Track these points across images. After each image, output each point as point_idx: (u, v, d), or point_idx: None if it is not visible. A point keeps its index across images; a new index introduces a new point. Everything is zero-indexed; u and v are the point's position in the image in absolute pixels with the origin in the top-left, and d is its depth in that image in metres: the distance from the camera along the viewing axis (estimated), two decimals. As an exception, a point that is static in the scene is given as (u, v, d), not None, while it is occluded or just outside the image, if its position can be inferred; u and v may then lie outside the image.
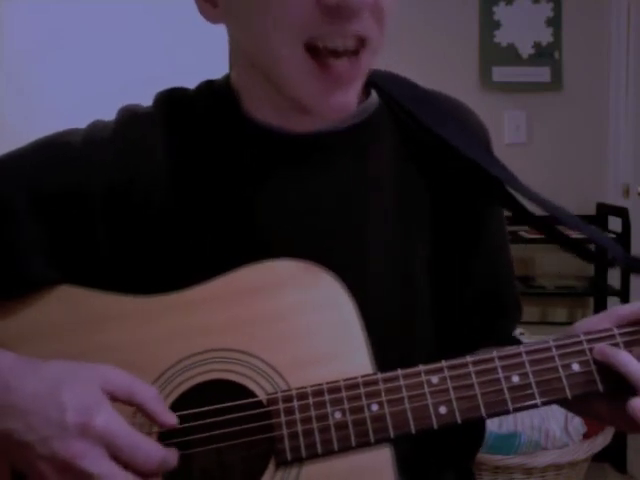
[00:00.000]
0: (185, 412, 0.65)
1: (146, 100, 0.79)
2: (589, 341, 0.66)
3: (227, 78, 0.78)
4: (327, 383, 0.65)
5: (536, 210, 0.77)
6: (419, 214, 0.77)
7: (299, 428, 0.64)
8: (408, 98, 0.79)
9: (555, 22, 2.69)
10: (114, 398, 0.61)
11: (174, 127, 0.75)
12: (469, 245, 0.80)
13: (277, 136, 0.74)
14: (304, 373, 0.66)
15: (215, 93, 0.77)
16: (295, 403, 0.64)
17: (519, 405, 0.65)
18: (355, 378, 0.65)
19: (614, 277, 2.56)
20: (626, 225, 2.44)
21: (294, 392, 0.65)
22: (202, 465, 0.69)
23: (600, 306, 2.61)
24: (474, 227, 0.80)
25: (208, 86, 0.79)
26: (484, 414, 0.65)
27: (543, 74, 2.69)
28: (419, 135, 0.78)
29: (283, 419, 0.64)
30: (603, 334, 0.67)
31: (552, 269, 2.72)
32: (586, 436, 1.93)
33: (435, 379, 0.65)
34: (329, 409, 0.64)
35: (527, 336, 2.07)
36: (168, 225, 0.72)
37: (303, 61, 0.65)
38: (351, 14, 0.62)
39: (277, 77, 0.68)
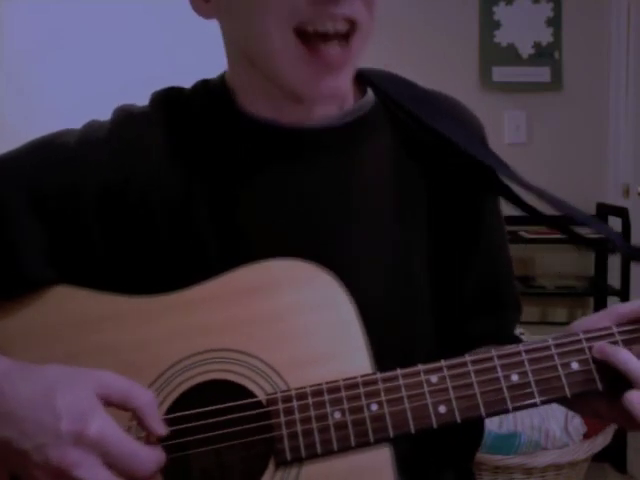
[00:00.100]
0: (185, 413, 0.65)
1: (146, 100, 0.79)
2: (588, 340, 0.66)
3: (222, 76, 0.78)
4: (326, 383, 0.65)
5: (536, 205, 0.77)
6: (418, 212, 0.77)
7: (298, 428, 0.64)
8: (405, 96, 0.79)
9: (555, 22, 2.69)
10: (109, 403, 0.60)
11: (170, 126, 0.75)
12: (468, 243, 0.80)
13: (271, 129, 0.74)
14: (303, 373, 0.66)
15: (210, 91, 0.78)
16: (294, 403, 0.64)
17: (518, 404, 0.65)
18: (354, 378, 0.65)
19: (614, 277, 2.56)
20: (626, 225, 2.44)
21: (293, 392, 0.65)
22: (202, 466, 0.69)
23: (600, 306, 2.61)
24: (473, 225, 0.80)
25: (204, 85, 0.79)
26: (483, 413, 0.65)
27: (543, 74, 2.69)
28: (416, 133, 0.79)
29: (282, 419, 0.64)
30: (602, 332, 0.67)
31: (552, 269, 2.72)
32: (586, 436, 1.92)
33: (434, 378, 0.65)
34: (328, 409, 0.64)
35: (527, 336, 2.07)
36: (165, 224, 0.72)
37: (293, 46, 0.65)
38: None
39: (268, 64, 0.68)
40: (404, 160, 0.78)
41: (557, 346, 0.66)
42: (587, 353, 0.66)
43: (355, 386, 0.65)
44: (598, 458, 2.10)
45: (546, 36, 2.69)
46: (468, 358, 0.66)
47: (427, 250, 0.77)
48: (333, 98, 0.69)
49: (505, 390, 0.65)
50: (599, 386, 0.65)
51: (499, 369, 0.65)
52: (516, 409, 0.65)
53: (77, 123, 0.77)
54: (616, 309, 0.69)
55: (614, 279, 2.56)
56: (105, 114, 0.77)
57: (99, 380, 0.61)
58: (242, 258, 0.70)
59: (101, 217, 0.72)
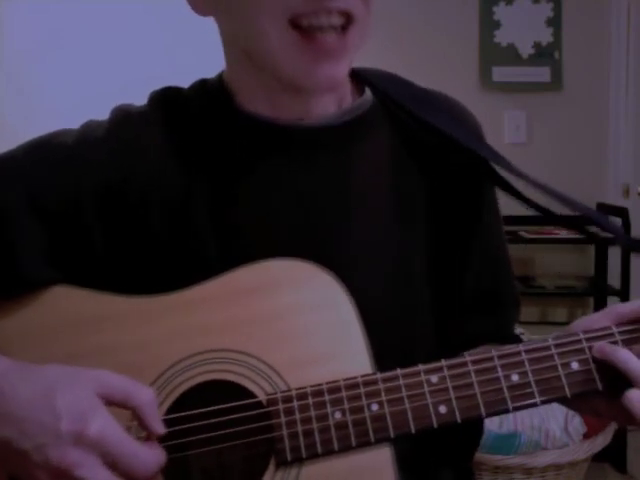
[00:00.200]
0: (185, 413, 0.65)
1: (146, 100, 0.79)
2: (588, 340, 0.66)
3: (220, 75, 0.79)
4: (327, 383, 0.65)
5: (538, 200, 0.77)
6: (417, 211, 0.78)
7: (299, 428, 0.63)
8: (403, 95, 0.79)
9: (555, 22, 2.69)
10: (110, 402, 0.60)
11: (169, 126, 0.75)
12: (467, 242, 0.80)
13: (269, 127, 0.74)
14: (303, 373, 0.66)
15: (208, 91, 0.78)
16: (295, 403, 0.64)
17: (519, 404, 0.65)
18: (355, 378, 0.65)
19: (614, 277, 2.56)
20: (626, 225, 2.44)
21: (294, 392, 0.65)
22: (202, 466, 0.69)
23: (600, 306, 2.60)
24: (471, 224, 0.81)
25: (202, 85, 0.79)
26: (484, 413, 0.65)
27: (543, 74, 2.69)
28: (415, 132, 0.79)
29: (283, 419, 0.64)
30: (602, 332, 0.67)
31: (552, 269, 2.72)
32: (586, 436, 1.93)
33: (434, 378, 0.65)
34: (329, 409, 0.64)
35: (527, 336, 2.07)
36: (164, 224, 0.72)
37: (288, 36, 0.66)
38: None
39: (265, 56, 0.68)
40: (403, 159, 0.78)
41: (557, 346, 0.66)
42: (587, 353, 0.66)
43: (355, 386, 0.65)
44: (598, 458, 2.10)
45: (546, 36, 2.69)
46: (468, 358, 0.66)
47: (426, 249, 0.78)
48: (330, 87, 0.69)
49: (505, 390, 0.65)
50: (599, 386, 0.66)
51: (499, 369, 0.65)
52: (516, 409, 0.65)
53: (77, 123, 0.77)
54: (616, 309, 0.69)
55: (614, 279, 2.56)
56: (105, 114, 0.77)
57: (99, 379, 0.61)
58: (241, 258, 0.70)
59: (100, 217, 0.72)
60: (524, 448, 1.88)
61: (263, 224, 0.74)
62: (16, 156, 0.73)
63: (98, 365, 0.63)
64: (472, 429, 0.83)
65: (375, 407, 0.64)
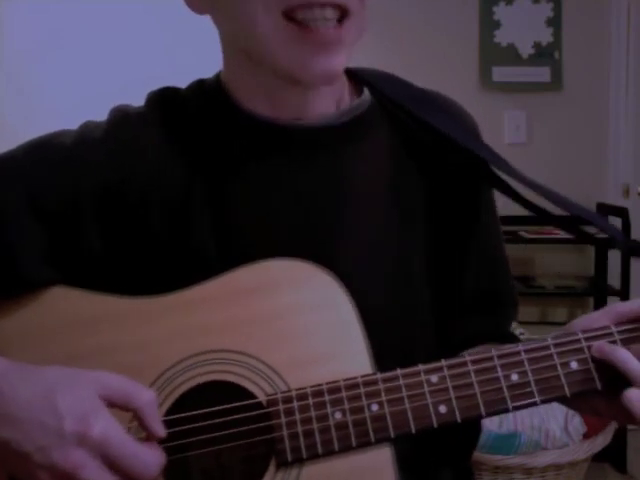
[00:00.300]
0: (185, 414, 0.65)
1: (146, 100, 0.79)
2: (587, 339, 0.67)
3: (217, 75, 0.79)
4: (327, 383, 0.65)
5: (535, 201, 0.77)
6: (416, 211, 0.78)
7: (299, 429, 0.63)
8: (401, 95, 0.79)
9: (555, 22, 2.69)
10: (111, 404, 0.60)
11: (167, 126, 0.75)
12: (465, 241, 0.80)
13: (268, 126, 0.74)
14: (303, 373, 0.66)
15: (206, 90, 0.78)
16: (295, 404, 0.64)
17: (518, 403, 0.65)
18: (355, 378, 0.65)
19: (614, 277, 2.56)
20: (626, 225, 2.44)
21: (294, 393, 0.65)
22: (202, 467, 0.69)
23: (600, 306, 2.60)
24: (469, 223, 0.81)
25: (199, 85, 0.79)
26: (484, 413, 0.65)
27: (543, 74, 2.69)
28: (414, 132, 0.79)
29: (283, 420, 0.64)
30: (601, 332, 0.67)
31: (552, 269, 2.72)
32: (586, 436, 1.93)
33: (434, 378, 0.65)
34: (329, 409, 0.64)
35: (527, 336, 2.07)
36: (164, 224, 0.72)
37: (283, 28, 0.66)
38: None
39: (261, 50, 0.68)
40: (402, 159, 0.78)
41: (556, 345, 0.66)
42: (586, 352, 0.66)
43: (355, 386, 0.65)
44: (598, 458, 2.10)
45: (546, 36, 2.69)
46: (468, 358, 0.66)
47: (426, 249, 0.78)
48: (327, 80, 0.69)
49: (505, 390, 0.65)
50: (598, 385, 0.66)
51: (499, 369, 0.65)
52: (516, 408, 0.65)
53: (77, 123, 0.77)
54: (615, 308, 0.69)
55: (614, 279, 2.56)
56: (105, 114, 0.77)
57: (100, 381, 0.61)
58: (241, 257, 0.70)
59: (99, 218, 0.72)
60: (524, 448, 1.88)
61: (263, 224, 0.74)
62: (16, 156, 0.73)
63: (98, 366, 0.62)
64: (470, 428, 0.84)
65: (375, 407, 0.64)
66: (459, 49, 2.70)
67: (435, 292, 0.78)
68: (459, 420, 0.64)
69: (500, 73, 2.70)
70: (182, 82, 0.80)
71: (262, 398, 0.65)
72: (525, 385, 0.65)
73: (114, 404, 0.60)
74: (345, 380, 0.65)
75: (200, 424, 0.65)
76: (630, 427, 2.36)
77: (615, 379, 0.65)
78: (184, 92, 0.78)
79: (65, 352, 0.67)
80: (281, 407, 0.64)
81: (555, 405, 0.69)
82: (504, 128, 2.70)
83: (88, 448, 0.57)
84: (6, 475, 0.61)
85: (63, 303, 0.70)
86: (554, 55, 2.69)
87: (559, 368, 0.66)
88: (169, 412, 0.66)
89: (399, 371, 0.65)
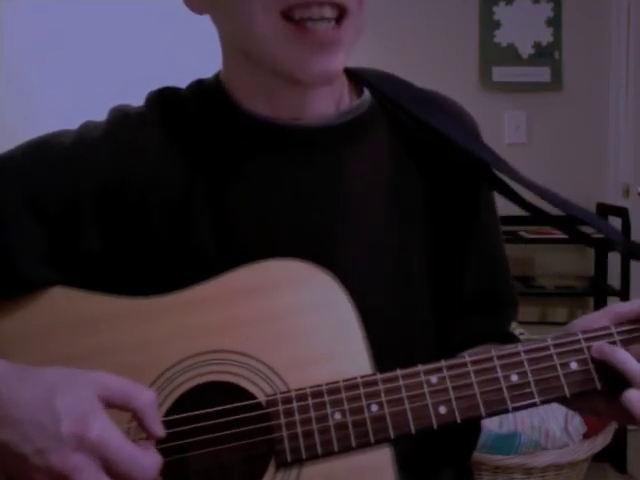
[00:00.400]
0: (184, 415, 0.65)
1: (146, 100, 0.79)
2: (587, 340, 0.67)
3: (217, 75, 0.79)
4: (326, 384, 0.65)
5: (535, 202, 0.77)
6: (416, 212, 0.78)
7: (299, 429, 0.63)
8: (401, 96, 0.79)
9: (555, 22, 2.69)
10: (110, 404, 0.60)
11: (166, 126, 0.75)
12: (465, 241, 0.80)
13: (267, 126, 0.74)
14: (303, 374, 0.66)
15: (206, 90, 0.78)
16: (294, 404, 0.64)
17: (518, 404, 0.65)
18: (354, 379, 0.65)
19: (614, 277, 2.56)
20: (626, 225, 2.44)
21: (293, 393, 0.65)
22: (202, 467, 0.69)
23: (600, 306, 2.60)
24: (469, 223, 0.81)
25: (199, 84, 0.79)
26: (483, 413, 0.65)
27: (543, 74, 2.69)
28: (414, 132, 0.79)
29: (283, 421, 0.64)
30: (601, 332, 0.67)
31: (552, 269, 2.72)
32: (586, 436, 1.93)
33: (434, 379, 0.65)
34: (329, 410, 0.64)
35: (527, 336, 2.07)
36: (164, 224, 0.72)
37: (280, 27, 0.66)
38: None
39: (259, 50, 0.68)
40: (402, 159, 0.78)
41: (556, 346, 0.66)
42: (586, 353, 0.66)
43: (355, 387, 0.65)
44: (598, 458, 2.10)
45: (546, 36, 2.69)
46: (468, 358, 0.66)
47: (426, 249, 0.78)
48: (326, 80, 0.69)
49: (505, 390, 0.65)
50: (598, 385, 0.66)
51: (499, 369, 0.65)
52: (516, 409, 0.65)
53: (77, 123, 0.77)
54: (614, 308, 0.69)
55: (614, 279, 2.56)
56: (105, 114, 0.77)
57: (99, 381, 0.60)
58: (241, 257, 0.70)
59: (99, 218, 0.72)
60: (524, 448, 1.88)
61: (263, 224, 0.74)
62: (16, 156, 0.73)
63: (98, 366, 0.62)
64: (470, 429, 0.84)
65: (375, 408, 0.64)
66: (459, 49, 2.70)
67: (435, 292, 0.78)
68: (459, 421, 0.64)
69: (500, 73, 2.70)
70: (182, 82, 0.80)
71: (261, 399, 0.65)
72: (525, 386, 0.65)
73: (113, 404, 0.60)
74: (345, 381, 0.65)
75: (199, 425, 0.65)
76: (630, 427, 2.36)
77: (615, 379, 0.65)
78: (184, 92, 0.78)
79: (65, 352, 0.67)
80: (280, 408, 0.64)
81: (555, 405, 0.69)
82: (504, 128, 2.70)
83: (86, 450, 0.56)
84: (5, 476, 0.61)
85: (63, 303, 0.70)
86: (554, 55, 2.69)
87: (559, 368, 0.66)
88: (169, 412, 0.65)
89: (399, 371, 0.65)
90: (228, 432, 0.64)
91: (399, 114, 0.80)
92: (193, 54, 2.27)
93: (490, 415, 0.65)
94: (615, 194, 2.69)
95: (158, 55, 2.64)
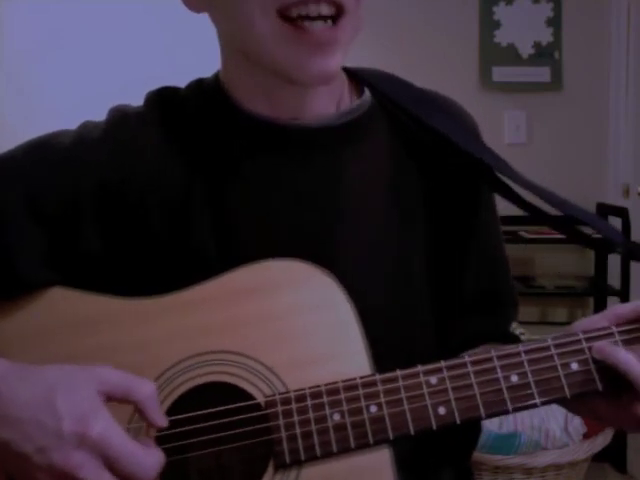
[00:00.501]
0: (183, 416, 0.65)
1: (145, 101, 0.79)
2: (588, 340, 0.66)
3: (216, 75, 0.78)
4: (325, 385, 0.65)
5: (535, 203, 0.77)
6: (416, 212, 0.78)
7: (297, 430, 0.63)
8: (402, 96, 0.79)
9: (555, 22, 2.69)
10: (111, 398, 0.60)
11: (166, 126, 0.75)
12: (465, 242, 0.80)
13: (267, 126, 0.74)
14: (302, 374, 0.66)
15: (205, 90, 0.78)
16: (293, 405, 0.64)
17: (519, 405, 0.65)
18: (353, 379, 0.65)
19: (614, 277, 2.56)
20: (626, 225, 2.44)
21: (292, 394, 0.64)
22: (201, 468, 0.69)
23: (600, 306, 2.60)
24: (469, 224, 0.81)
25: (198, 84, 0.79)
26: (483, 414, 0.64)
27: (543, 74, 2.69)
28: (414, 132, 0.79)
29: (281, 421, 0.64)
30: (602, 332, 0.67)
31: (552, 269, 2.72)
32: (586, 436, 1.92)
33: (434, 379, 0.65)
34: (328, 411, 0.64)
35: (527, 336, 2.07)
36: (164, 225, 0.72)
37: (277, 27, 0.65)
38: None
39: (257, 50, 0.68)
40: (402, 160, 0.78)
41: (556, 346, 0.66)
42: (587, 353, 0.66)
43: (354, 387, 0.64)
44: (598, 458, 2.10)
45: (546, 36, 2.69)
46: (467, 359, 0.66)
47: (426, 249, 0.78)
48: (324, 80, 0.69)
49: (505, 391, 0.65)
50: (599, 386, 0.65)
51: (499, 370, 0.65)
52: (516, 410, 0.65)
53: (77, 123, 0.76)
54: (615, 310, 0.69)
55: (614, 279, 2.56)
56: (105, 114, 0.77)
57: (99, 376, 0.61)
58: (241, 258, 0.70)
59: (99, 218, 0.72)
60: (524, 448, 1.88)
61: (262, 224, 0.73)
62: (15, 156, 0.73)
63: None
64: (471, 429, 0.84)
65: (374, 409, 0.64)
66: (459, 49, 2.70)
67: (435, 292, 0.78)
68: (458, 422, 0.64)
69: (500, 73, 2.70)
70: (182, 82, 0.80)
71: (260, 399, 0.65)
72: (525, 386, 0.65)
73: (114, 398, 0.60)
74: (344, 381, 0.65)
75: (198, 425, 0.64)
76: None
77: (616, 381, 0.65)
78: (183, 92, 0.78)
79: (65, 353, 0.67)
80: (279, 409, 0.64)
81: (555, 405, 0.69)
82: (504, 128, 2.70)
83: (87, 449, 0.57)
84: (6, 475, 0.61)
85: (62, 304, 0.70)
86: (554, 55, 2.69)
87: (559, 369, 0.65)
88: (168, 413, 0.65)
89: (398, 372, 0.65)
90: (227, 433, 0.64)
91: (399, 114, 0.79)
92: (193, 54, 2.27)
93: (490, 416, 0.65)
94: (615, 194, 2.69)
95: (158, 55, 2.64)
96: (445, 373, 0.65)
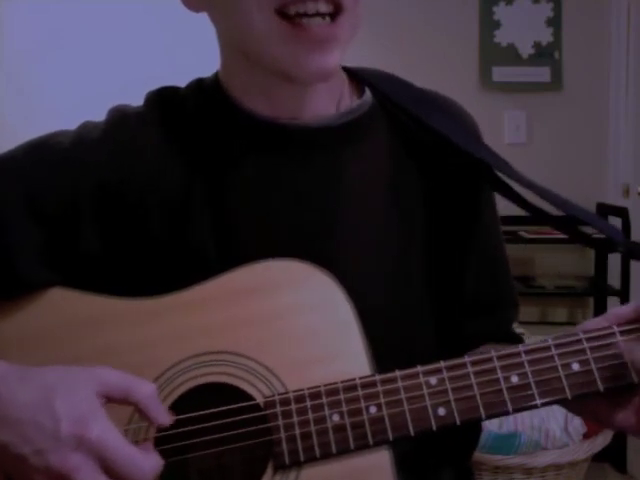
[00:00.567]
0: (183, 416, 0.64)
1: (145, 101, 0.79)
2: (588, 340, 0.66)
3: (216, 74, 0.78)
4: (325, 385, 0.64)
5: (536, 202, 0.77)
6: (416, 212, 0.77)
7: (297, 431, 0.63)
8: (402, 96, 0.79)
9: (555, 22, 2.69)
10: (110, 399, 0.60)
11: (166, 126, 0.75)
12: (465, 242, 0.80)
13: (267, 125, 0.74)
14: (301, 374, 0.65)
15: (205, 89, 0.78)
16: (293, 406, 0.64)
17: (519, 406, 0.64)
18: (353, 380, 0.65)
19: (614, 277, 2.56)
20: (626, 225, 2.44)
21: (291, 395, 0.64)
22: (200, 469, 0.68)
23: (600, 306, 2.60)
24: (470, 224, 0.81)
25: (198, 84, 0.79)
26: (483, 415, 0.64)
27: (543, 74, 2.69)
28: (415, 133, 0.79)
29: (281, 422, 0.64)
30: (602, 332, 0.66)
31: (552, 269, 2.72)
32: (586, 436, 1.92)
33: (433, 380, 0.65)
34: (327, 412, 0.64)
35: (527, 336, 2.07)
36: (164, 225, 0.72)
37: (275, 25, 0.65)
38: None
39: (255, 49, 0.68)
40: (402, 160, 0.78)
41: (557, 346, 0.66)
42: (587, 353, 0.65)
43: (354, 388, 0.64)
44: (598, 458, 2.10)
45: (546, 36, 2.69)
46: (467, 359, 0.65)
47: (426, 250, 0.77)
48: (322, 78, 0.69)
49: (505, 392, 0.64)
50: (600, 387, 0.65)
51: (499, 370, 0.65)
52: (516, 411, 0.65)
53: (77, 123, 0.76)
54: (616, 311, 0.69)
55: (614, 279, 2.56)
56: (105, 114, 0.77)
57: (98, 378, 0.61)
58: (240, 258, 0.70)
59: (98, 218, 0.72)
60: (524, 448, 1.88)
61: (262, 224, 0.73)
62: (15, 156, 0.73)
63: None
64: (471, 429, 0.83)
65: (373, 409, 0.64)
66: (459, 49, 2.70)
67: (435, 292, 0.78)
68: (458, 422, 0.64)
69: (500, 73, 2.70)
70: (182, 82, 0.80)
71: (260, 400, 0.65)
72: (526, 387, 0.64)
73: (113, 399, 0.60)
74: (343, 382, 0.65)
75: (197, 426, 0.64)
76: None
77: (617, 381, 0.64)
78: (183, 91, 0.78)
79: (64, 353, 0.67)
80: (278, 409, 0.64)
81: (555, 405, 0.69)
82: (504, 128, 2.70)
83: (85, 451, 0.57)
84: (4, 476, 0.61)
85: (62, 304, 0.70)
86: (554, 55, 2.69)
87: (560, 369, 0.65)
88: (167, 414, 0.65)
89: (398, 373, 0.65)
90: (226, 434, 0.64)
91: (399, 114, 0.79)
92: (193, 54, 2.27)
93: (490, 417, 0.64)
94: (615, 194, 2.69)
95: (158, 55, 2.63)
96: (445, 374, 0.65)
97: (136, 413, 0.63)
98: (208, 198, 0.73)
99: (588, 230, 0.78)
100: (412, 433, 0.63)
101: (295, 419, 0.63)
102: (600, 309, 2.60)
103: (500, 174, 0.77)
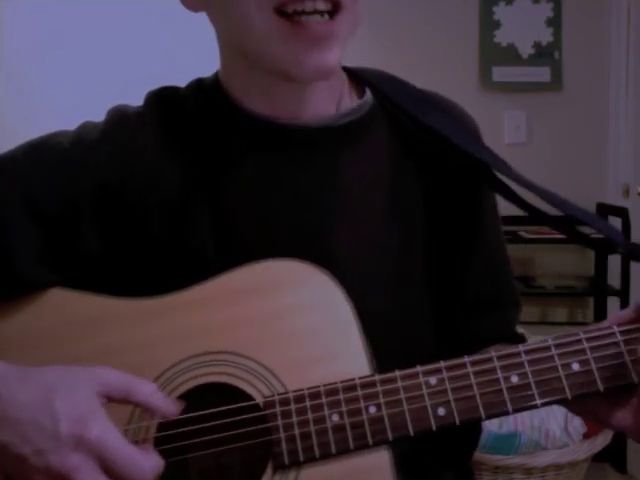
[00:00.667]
0: (182, 416, 0.64)
1: (145, 101, 0.79)
2: (588, 340, 0.66)
3: (216, 74, 0.78)
4: (324, 385, 0.64)
5: (535, 203, 0.77)
6: (416, 213, 0.77)
7: (296, 431, 0.63)
8: (403, 97, 0.79)
9: (555, 22, 2.69)
10: (111, 399, 0.60)
11: (165, 126, 0.75)
12: (466, 243, 0.80)
13: (267, 125, 0.74)
14: (301, 374, 0.65)
15: (205, 89, 0.78)
16: (292, 406, 0.64)
17: (519, 406, 0.64)
18: (352, 380, 0.65)
19: (614, 277, 2.56)
20: (626, 225, 2.44)
21: (291, 395, 0.64)
22: (200, 469, 0.68)
23: (600, 306, 2.61)
24: (470, 225, 0.81)
25: (198, 84, 0.79)
26: (483, 415, 0.64)
27: (543, 74, 2.69)
28: (415, 133, 0.79)
29: (280, 422, 0.64)
30: (603, 332, 0.66)
31: (552, 269, 2.72)
32: (586, 436, 1.92)
33: (433, 380, 0.65)
34: (326, 412, 0.64)
35: (527, 336, 2.07)
36: (164, 225, 0.72)
37: (275, 25, 0.65)
38: None
39: (255, 48, 0.68)
40: (402, 161, 0.78)
41: (557, 346, 0.66)
42: (587, 353, 0.65)
43: (353, 388, 0.64)
44: (598, 458, 2.10)
45: (546, 36, 2.69)
46: (467, 359, 0.65)
47: (426, 250, 0.77)
48: (321, 76, 0.69)
49: (505, 392, 0.64)
50: (600, 387, 0.65)
51: (499, 370, 0.65)
52: (516, 411, 0.65)
53: (77, 123, 0.76)
54: (617, 314, 0.69)
55: (614, 279, 2.56)
56: (105, 114, 0.77)
57: (98, 378, 0.61)
58: (240, 258, 0.70)
59: (98, 218, 0.72)
60: (524, 448, 1.88)
61: (262, 224, 0.73)
62: (15, 157, 0.73)
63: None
64: (471, 429, 0.83)
65: (373, 409, 0.64)
66: (459, 49, 2.70)
67: (436, 293, 0.78)
68: (458, 423, 0.64)
69: (500, 73, 2.70)
70: (182, 82, 0.80)
71: (259, 400, 0.65)
72: (526, 387, 0.64)
73: (114, 399, 0.60)
74: (343, 382, 0.65)
75: (197, 426, 0.64)
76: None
77: (617, 381, 0.64)
78: (183, 91, 0.78)
79: (64, 354, 0.67)
80: (278, 409, 0.64)
81: (555, 405, 0.69)
82: (504, 128, 2.70)
83: (84, 451, 0.57)
84: (4, 476, 0.61)
85: (62, 305, 0.70)
86: (554, 55, 2.69)
87: (560, 369, 0.65)
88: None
89: (397, 373, 0.65)
90: (226, 434, 0.64)
91: (400, 115, 0.79)
92: (193, 54, 2.27)
93: (490, 417, 0.64)
94: (615, 194, 2.69)
95: (158, 55, 2.63)
96: (444, 374, 0.65)
97: (136, 413, 0.63)
98: (208, 198, 0.73)
99: (587, 231, 0.78)
100: (412, 433, 0.63)
101: (294, 419, 0.63)
102: (600, 309, 2.61)
103: (500, 175, 0.77)
